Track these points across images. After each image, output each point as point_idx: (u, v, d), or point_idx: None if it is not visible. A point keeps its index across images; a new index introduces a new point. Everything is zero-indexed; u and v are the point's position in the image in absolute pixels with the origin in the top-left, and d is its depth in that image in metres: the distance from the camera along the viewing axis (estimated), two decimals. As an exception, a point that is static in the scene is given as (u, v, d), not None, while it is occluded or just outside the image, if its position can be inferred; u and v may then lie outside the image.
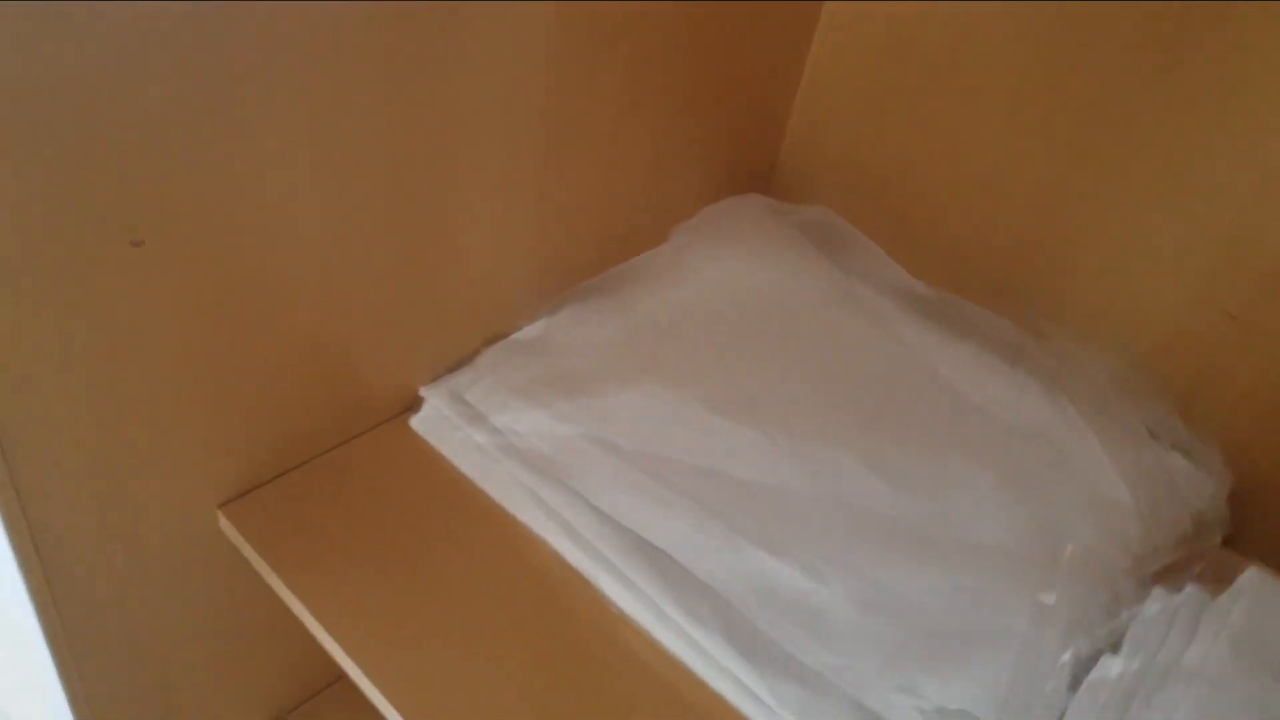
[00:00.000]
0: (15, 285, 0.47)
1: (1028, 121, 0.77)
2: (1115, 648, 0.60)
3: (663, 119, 0.79)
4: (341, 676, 0.66)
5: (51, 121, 0.43)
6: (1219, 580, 0.64)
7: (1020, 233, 0.79)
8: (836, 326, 0.77)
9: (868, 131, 0.87)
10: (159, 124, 0.47)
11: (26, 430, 0.51)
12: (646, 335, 0.75)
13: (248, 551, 0.64)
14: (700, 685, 0.60)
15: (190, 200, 0.51)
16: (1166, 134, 0.70)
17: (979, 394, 0.73)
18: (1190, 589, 0.62)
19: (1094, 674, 0.58)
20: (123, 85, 0.45)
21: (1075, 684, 0.58)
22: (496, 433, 0.70)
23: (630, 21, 0.70)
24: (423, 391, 0.74)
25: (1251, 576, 0.63)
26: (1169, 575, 0.65)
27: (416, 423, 0.73)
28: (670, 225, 0.85)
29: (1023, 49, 0.76)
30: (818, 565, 0.62)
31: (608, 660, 0.61)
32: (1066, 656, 0.58)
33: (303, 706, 0.86)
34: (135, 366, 0.54)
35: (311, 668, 0.84)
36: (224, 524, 0.65)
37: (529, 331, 0.77)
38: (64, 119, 0.44)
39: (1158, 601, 0.61)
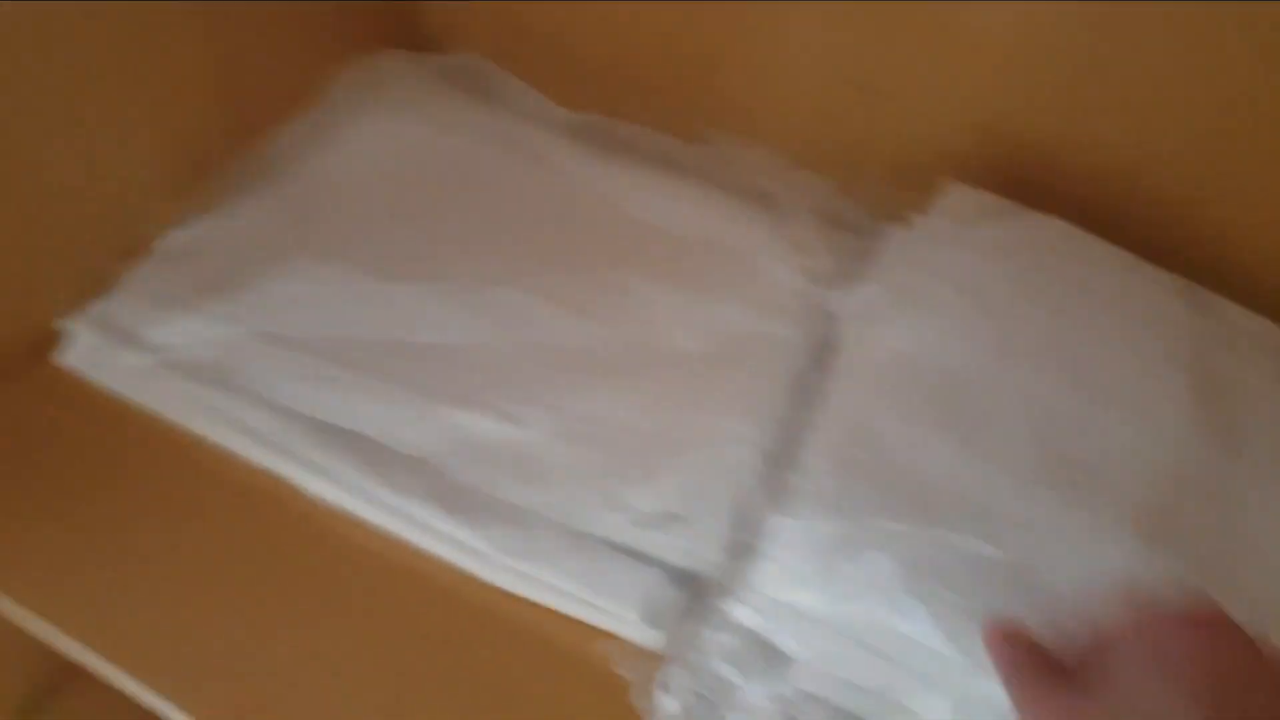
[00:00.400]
0: None
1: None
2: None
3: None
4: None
5: None
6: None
7: (668, 43, 0.79)
8: (496, 171, 0.74)
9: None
10: None
11: None
12: (297, 214, 0.70)
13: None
14: (417, 554, 0.59)
15: None
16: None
17: (648, 211, 0.74)
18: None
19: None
20: None
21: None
22: (154, 350, 0.64)
23: None
24: (63, 324, 0.66)
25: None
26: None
27: (65, 358, 0.66)
28: (307, 96, 0.79)
29: None
30: (513, 410, 0.62)
31: (321, 555, 0.59)
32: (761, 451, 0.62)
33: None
34: None
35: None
36: None
37: (173, 237, 0.70)
38: None
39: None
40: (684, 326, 0.68)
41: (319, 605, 0.57)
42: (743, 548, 0.57)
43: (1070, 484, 0.50)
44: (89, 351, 0.65)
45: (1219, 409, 0.55)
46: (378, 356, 0.64)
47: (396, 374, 0.63)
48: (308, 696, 0.53)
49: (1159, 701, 0.33)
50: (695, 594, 0.57)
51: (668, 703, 0.51)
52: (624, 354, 0.66)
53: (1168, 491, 0.50)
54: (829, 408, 0.58)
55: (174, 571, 0.57)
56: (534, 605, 0.58)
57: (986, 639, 0.42)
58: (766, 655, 0.52)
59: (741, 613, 0.53)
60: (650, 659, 0.54)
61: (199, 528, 0.59)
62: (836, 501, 0.51)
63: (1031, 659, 0.39)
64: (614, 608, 0.56)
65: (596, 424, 0.62)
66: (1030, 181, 0.72)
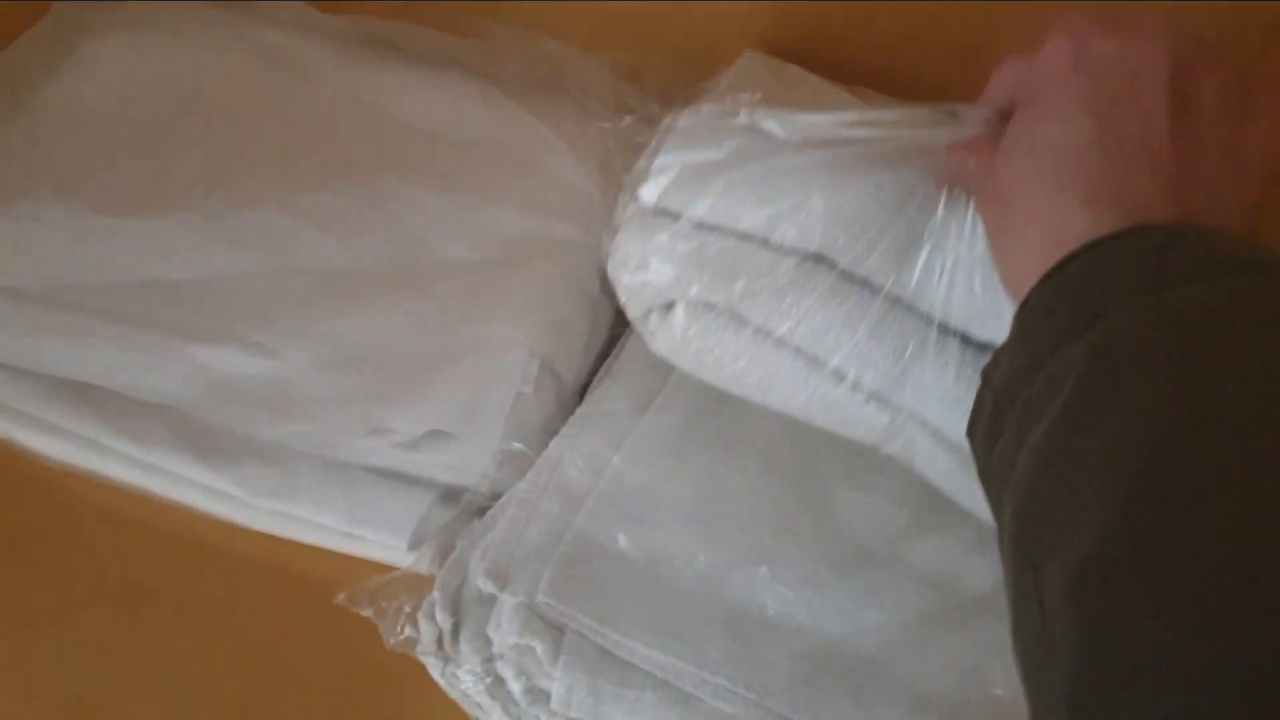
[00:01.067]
0: None
1: None
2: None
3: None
4: None
5: None
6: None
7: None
8: (250, 85, 0.68)
9: None
10: None
11: None
12: (18, 151, 0.63)
13: None
14: (169, 508, 0.55)
15: None
16: None
17: (418, 115, 0.68)
18: None
19: None
20: None
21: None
22: None
23: None
24: None
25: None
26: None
27: None
28: (29, 14, 0.70)
29: None
30: (267, 341, 0.57)
31: (62, 522, 0.54)
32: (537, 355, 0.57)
33: None
34: None
35: None
36: None
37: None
38: None
39: None
40: (458, 235, 0.63)
41: (65, 577, 0.52)
42: (512, 455, 0.53)
43: None
44: None
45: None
46: (116, 300, 0.58)
47: (136, 316, 0.58)
48: (64, 676, 0.49)
49: (1053, 117, 0.32)
50: (463, 510, 0.53)
51: (428, 627, 0.48)
52: (392, 271, 0.61)
53: None
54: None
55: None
56: (299, 546, 0.54)
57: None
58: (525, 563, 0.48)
59: (505, 521, 0.50)
60: (421, 584, 0.50)
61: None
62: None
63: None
64: (379, 537, 0.53)
65: (358, 348, 0.58)
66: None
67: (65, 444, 0.55)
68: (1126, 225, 0.29)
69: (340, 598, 0.48)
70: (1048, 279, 0.30)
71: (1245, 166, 0.32)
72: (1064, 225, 0.31)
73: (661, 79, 0.71)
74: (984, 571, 0.50)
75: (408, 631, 0.47)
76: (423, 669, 0.49)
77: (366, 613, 0.48)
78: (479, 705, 0.48)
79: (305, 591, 0.52)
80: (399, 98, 0.68)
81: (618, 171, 0.66)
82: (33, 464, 0.55)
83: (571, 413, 0.58)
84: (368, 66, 0.69)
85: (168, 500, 0.55)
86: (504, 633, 0.47)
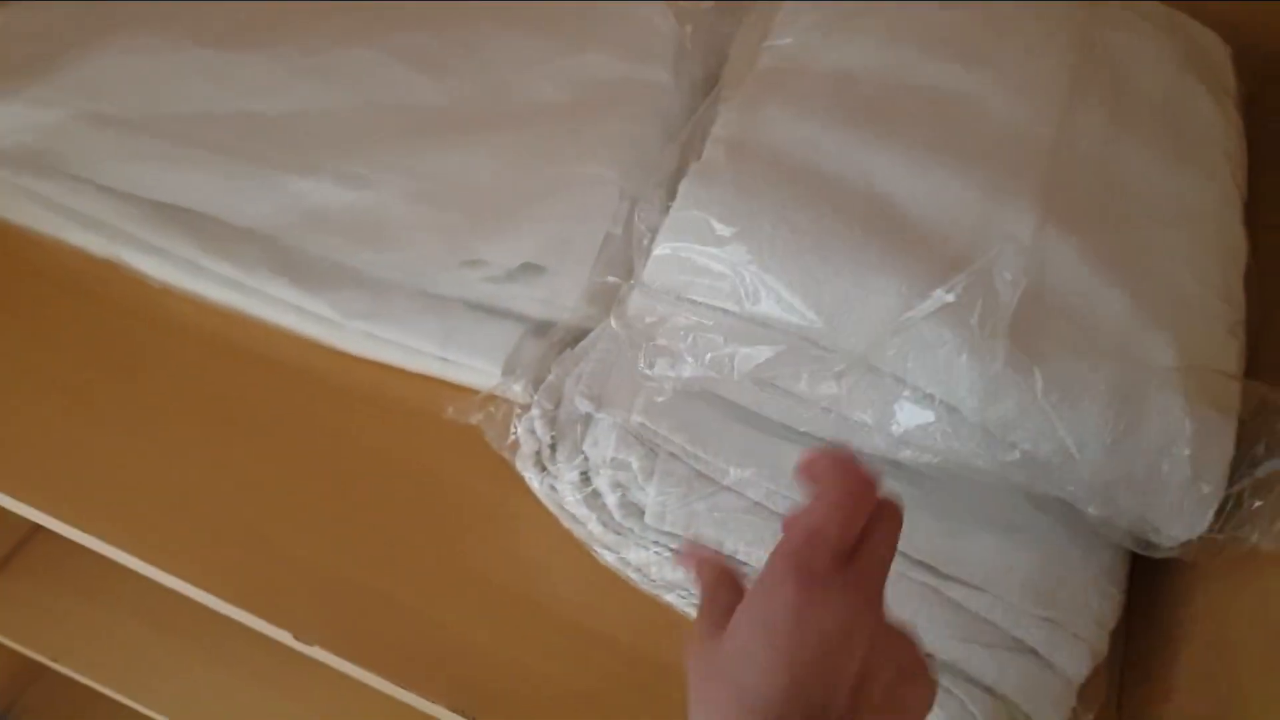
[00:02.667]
0: None
1: None
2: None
3: None
4: None
5: None
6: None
7: None
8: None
9: None
10: None
11: None
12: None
13: None
14: (262, 326, 0.56)
15: None
16: None
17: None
18: None
19: None
20: None
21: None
22: (-32, 143, 0.59)
23: None
24: None
25: None
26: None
27: None
28: None
29: None
30: (360, 172, 0.58)
31: (164, 339, 0.56)
32: (627, 195, 0.57)
33: None
34: None
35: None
36: None
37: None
38: None
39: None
40: (548, 77, 0.63)
41: (174, 394, 0.54)
42: (606, 290, 0.54)
43: (967, 159, 0.47)
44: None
45: (1104, 83, 0.52)
46: (214, 129, 0.59)
47: (233, 146, 0.58)
48: (173, 490, 0.50)
49: (754, 656, 0.31)
50: (556, 341, 0.54)
51: (528, 440, 0.49)
52: (481, 109, 0.61)
53: (1058, 162, 0.47)
54: (720, 117, 0.53)
55: (7, 370, 0.54)
56: (390, 369, 0.55)
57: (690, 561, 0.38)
58: (625, 383, 0.49)
59: (597, 353, 0.51)
60: (514, 407, 0.51)
61: (31, 321, 0.56)
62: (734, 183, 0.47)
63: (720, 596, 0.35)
64: (474, 362, 0.54)
65: (450, 182, 0.58)
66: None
67: (166, 264, 0.57)
68: None
69: (449, 410, 0.49)
70: None
71: None
72: None
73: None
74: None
75: (514, 437, 0.48)
76: (509, 490, 0.51)
77: (476, 419, 0.49)
78: (574, 517, 0.49)
79: (396, 412, 0.54)
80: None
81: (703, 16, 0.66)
82: (138, 282, 0.57)
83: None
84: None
85: (262, 321, 0.56)
86: (600, 448, 0.48)
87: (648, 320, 0.46)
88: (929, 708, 0.33)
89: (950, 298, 0.41)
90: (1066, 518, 0.47)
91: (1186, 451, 0.40)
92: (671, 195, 0.49)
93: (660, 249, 0.47)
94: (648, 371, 0.46)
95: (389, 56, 0.62)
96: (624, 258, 0.56)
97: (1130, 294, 0.43)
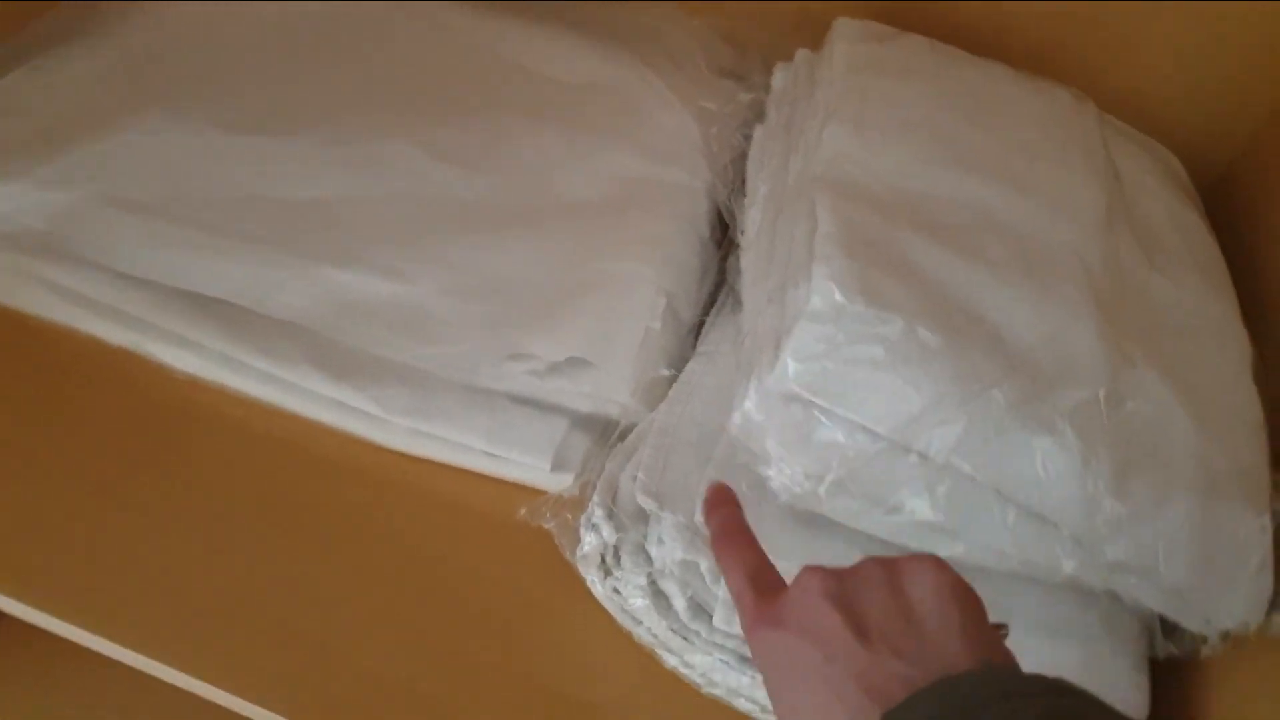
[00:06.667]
0: None
1: None
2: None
3: None
4: None
5: None
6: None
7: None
8: (370, 23, 0.68)
9: None
10: None
11: None
12: (136, 64, 0.62)
13: None
14: (301, 421, 0.54)
15: None
16: None
17: (535, 59, 0.69)
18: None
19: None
20: None
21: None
22: (-25, 224, 0.56)
23: None
24: None
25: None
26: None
27: None
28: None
29: None
30: (398, 265, 0.57)
31: (198, 435, 0.53)
32: (663, 292, 0.58)
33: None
34: None
35: None
36: None
37: (-13, 95, 0.61)
38: None
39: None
40: (576, 175, 0.64)
41: (207, 492, 0.51)
42: (648, 385, 0.54)
43: (1036, 275, 0.49)
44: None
45: (1127, 205, 0.55)
46: (239, 216, 0.58)
47: (262, 234, 0.57)
48: (212, 590, 0.48)
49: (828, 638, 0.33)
50: (603, 437, 0.54)
51: (592, 540, 0.48)
52: (514, 205, 0.62)
53: (1112, 284, 0.50)
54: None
55: (28, 470, 0.51)
56: (436, 466, 0.54)
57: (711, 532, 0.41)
58: (685, 479, 0.49)
59: (650, 446, 0.51)
60: (567, 504, 0.51)
61: (44, 414, 0.53)
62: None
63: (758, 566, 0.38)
64: (523, 458, 0.53)
65: (490, 277, 0.58)
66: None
67: (194, 356, 0.55)
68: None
69: (521, 512, 0.49)
70: None
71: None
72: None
73: (764, 43, 0.73)
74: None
75: (585, 543, 0.48)
76: (562, 590, 0.50)
77: (550, 525, 0.48)
78: (636, 619, 0.49)
79: (442, 510, 0.53)
80: (518, 42, 0.69)
81: (727, 131, 0.68)
82: (161, 372, 0.54)
83: (688, 349, 0.59)
84: (493, 19, 0.70)
85: (299, 415, 0.54)
86: (667, 549, 0.48)
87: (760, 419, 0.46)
88: (937, 569, 0.34)
89: (1053, 414, 0.42)
90: (1108, 614, 0.50)
91: (1255, 547, 0.43)
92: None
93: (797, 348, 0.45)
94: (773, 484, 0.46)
95: (420, 149, 0.62)
96: (659, 354, 0.57)
97: (1190, 408, 0.46)
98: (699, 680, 0.48)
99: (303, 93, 0.63)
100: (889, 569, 0.34)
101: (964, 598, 0.33)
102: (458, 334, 0.55)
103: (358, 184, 0.60)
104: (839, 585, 0.34)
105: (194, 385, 0.54)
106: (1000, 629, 0.35)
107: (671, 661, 0.48)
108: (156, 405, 0.53)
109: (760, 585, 0.37)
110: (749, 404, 0.46)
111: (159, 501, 0.50)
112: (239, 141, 0.60)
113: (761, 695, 0.47)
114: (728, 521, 0.41)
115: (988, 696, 0.28)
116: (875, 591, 0.34)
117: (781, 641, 0.34)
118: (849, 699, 0.31)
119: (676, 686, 0.49)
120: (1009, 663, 0.32)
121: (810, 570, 0.35)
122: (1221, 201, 0.68)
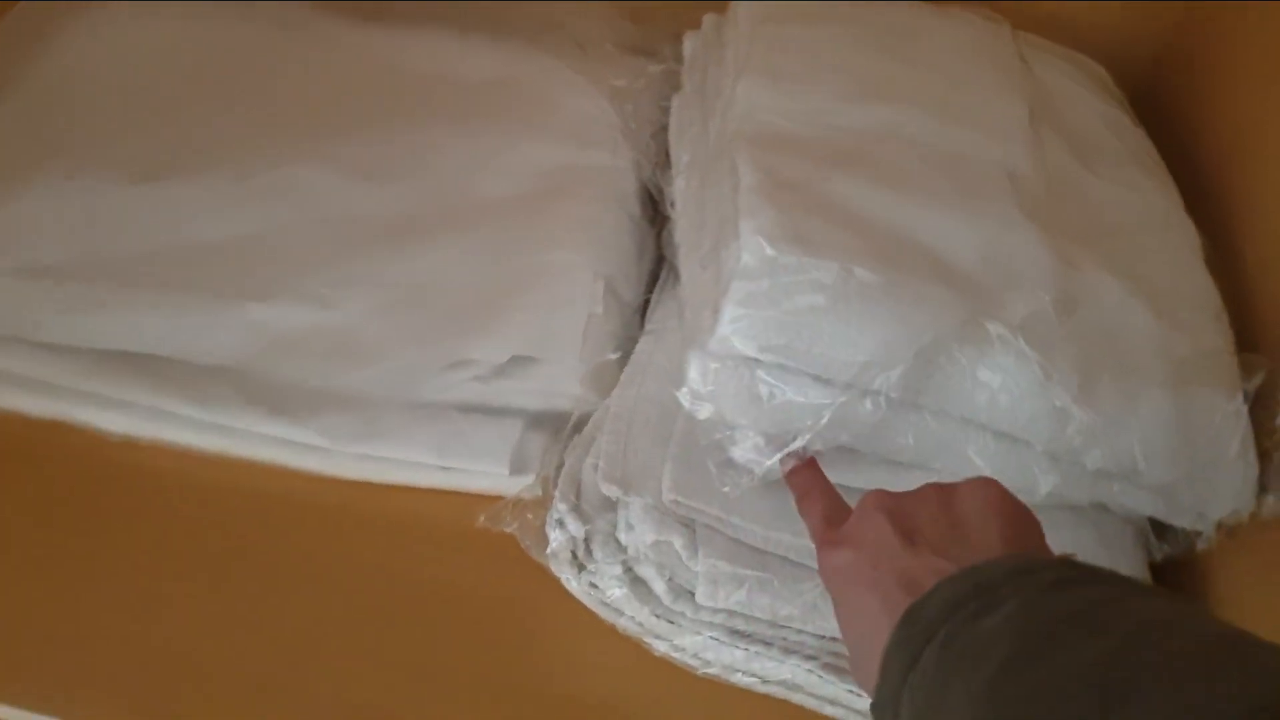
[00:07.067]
0: None
1: None
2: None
3: None
4: None
5: None
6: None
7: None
8: (258, 49, 0.65)
9: None
10: None
11: None
12: (25, 127, 0.60)
13: None
14: (245, 465, 0.52)
15: None
16: None
17: (434, 63, 0.67)
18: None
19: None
20: None
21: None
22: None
23: None
24: None
25: None
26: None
27: None
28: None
29: None
30: (322, 291, 0.55)
31: (142, 496, 0.51)
32: (600, 276, 0.57)
33: None
34: None
35: None
36: None
37: None
38: None
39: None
40: (496, 173, 0.62)
41: (156, 551, 0.49)
42: (597, 372, 0.53)
43: (969, 195, 0.48)
44: None
45: (1053, 117, 0.54)
46: (153, 266, 0.55)
47: (179, 281, 0.55)
48: (177, 649, 0.46)
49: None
50: (559, 432, 0.52)
51: (558, 537, 0.46)
52: (436, 213, 0.60)
53: (1050, 194, 0.49)
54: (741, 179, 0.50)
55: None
56: (393, 489, 0.52)
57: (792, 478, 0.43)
58: (641, 468, 0.47)
59: (609, 434, 0.49)
60: (529, 506, 0.49)
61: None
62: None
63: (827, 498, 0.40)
64: (478, 465, 0.51)
65: (418, 288, 0.56)
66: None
67: (125, 416, 0.52)
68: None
69: (481, 520, 0.47)
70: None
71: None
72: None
73: (669, 19, 0.71)
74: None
75: (552, 541, 0.46)
76: (538, 594, 0.48)
77: (511, 529, 0.46)
78: (617, 611, 0.47)
79: (403, 532, 0.51)
80: (410, 51, 0.67)
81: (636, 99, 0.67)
82: (93, 438, 0.52)
83: (635, 330, 0.58)
84: (390, 32, 0.68)
85: (244, 459, 0.52)
86: (639, 533, 0.46)
87: (709, 389, 0.44)
88: (989, 487, 0.35)
89: (1005, 331, 0.41)
90: (1101, 529, 0.48)
91: (1232, 431, 0.41)
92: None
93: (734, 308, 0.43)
94: (737, 457, 0.45)
95: (328, 170, 0.60)
96: (604, 338, 0.55)
97: (1144, 301, 0.44)
98: (692, 662, 0.46)
99: (203, 131, 0.61)
100: (945, 490, 0.36)
101: (1013, 512, 0.35)
102: (392, 351, 0.53)
103: (272, 216, 0.58)
104: (895, 503, 0.36)
105: (129, 446, 0.52)
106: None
107: (661, 648, 0.47)
108: (92, 472, 0.51)
109: (833, 520, 0.39)
110: (692, 374, 0.44)
111: (108, 570, 0.48)
112: (143, 190, 0.57)
113: (759, 666, 0.46)
114: (807, 482, 0.42)
115: (1007, 573, 0.29)
116: (928, 507, 0.35)
117: (841, 558, 0.35)
118: (892, 598, 0.32)
119: (671, 673, 0.47)
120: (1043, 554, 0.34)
121: (871, 493, 0.37)
122: (1149, 104, 0.67)
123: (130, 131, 0.60)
